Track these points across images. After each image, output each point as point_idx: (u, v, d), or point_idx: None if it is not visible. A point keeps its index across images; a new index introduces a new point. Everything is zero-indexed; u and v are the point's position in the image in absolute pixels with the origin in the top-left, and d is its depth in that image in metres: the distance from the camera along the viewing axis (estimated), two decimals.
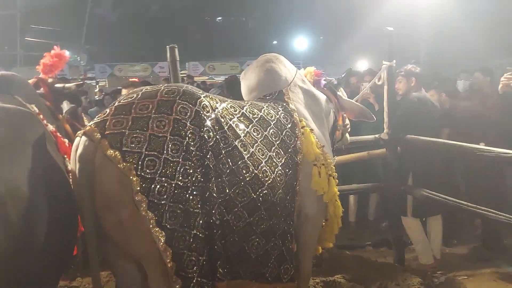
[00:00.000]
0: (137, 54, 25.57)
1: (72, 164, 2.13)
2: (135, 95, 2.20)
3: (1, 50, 19.31)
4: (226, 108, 2.38)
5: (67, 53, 3.28)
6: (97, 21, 26.57)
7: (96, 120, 2.12)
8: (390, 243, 4.76)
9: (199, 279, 2.10)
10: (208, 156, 2.17)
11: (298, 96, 2.89)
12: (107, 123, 2.07)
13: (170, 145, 2.08)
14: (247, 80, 2.91)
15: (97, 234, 2.07)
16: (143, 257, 2.12)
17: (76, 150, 2.10)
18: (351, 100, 3.46)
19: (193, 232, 2.09)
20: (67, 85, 3.17)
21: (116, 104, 2.17)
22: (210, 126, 2.22)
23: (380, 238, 4.84)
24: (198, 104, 2.22)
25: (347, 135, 3.53)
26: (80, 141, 2.08)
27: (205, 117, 2.22)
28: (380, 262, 3.90)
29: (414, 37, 11.75)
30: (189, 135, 2.13)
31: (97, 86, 17.73)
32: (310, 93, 2.98)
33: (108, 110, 2.14)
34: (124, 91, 4.57)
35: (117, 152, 2.00)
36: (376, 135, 3.88)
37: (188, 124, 2.15)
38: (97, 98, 10.62)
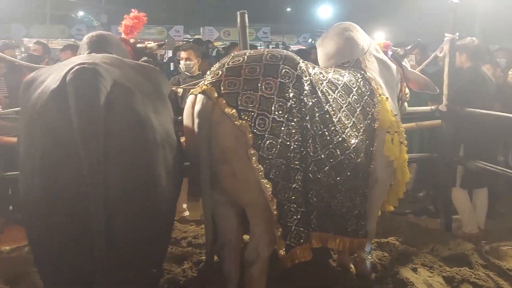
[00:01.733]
0: (153, 16, 25.22)
1: (187, 119, 2.34)
2: (241, 59, 2.39)
3: (29, 8, 19.40)
4: (317, 74, 2.57)
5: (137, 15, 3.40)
6: None
7: (210, 80, 2.32)
8: (430, 211, 5.00)
9: (297, 228, 2.35)
10: (306, 118, 2.38)
11: (373, 64, 3.03)
12: (222, 83, 2.28)
13: (276, 106, 2.28)
14: (325, 48, 3.05)
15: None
16: (251, 204, 2.36)
17: (192, 106, 2.31)
18: (414, 71, 3.60)
19: (292, 185, 2.32)
20: (149, 44, 3.37)
21: (226, 66, 2.36)
22: (308, 90, 2.41)
23: (420, 207, 5.05)
24: (298, 68, 2.41)
25: (405, 104, 3.69)
26: (197, 99, 2.29)
27: (303, 81, 2.41)
28: (430, 227, 4.11)
29: (469, 10, 11.54)
30: (292, 98, 2.33)
31: None
32: (384, 62, 3.13)
33: (219, 72, 2.34)
34: (182, 54, 4.74)
35: (234, 110, 2.22)
36: (433, 107, 4.03)
37: (290, 87, 2.34)
38: None
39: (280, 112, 2.28)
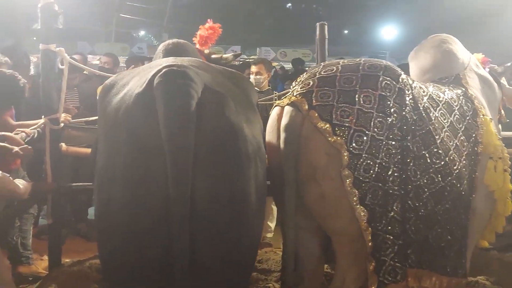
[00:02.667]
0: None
1: (272, 133, 2.12)
2: (335, 68, 2.15)
3: (95, 25, 20.27)
4: (417, 88, 2.28)
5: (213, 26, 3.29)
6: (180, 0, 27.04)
7: (300, 90, 2.09)
8: None
9: (392, 262, 2.04)
10: (408, 138, 2.09)
11: (475, 81, 2.71)
12: (314, 94, 2.04)
13: (375, 122, 2.02)
14: (420, 62, 2.76)
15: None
16: (339, 233, 2.09)
17: (278, 119, 2.09)
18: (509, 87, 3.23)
19: (390, 214, 2.03)
20: (224, 55, 3.22)
21: (318, 76, 2.13)
22: (410, 105, 2.13)
23: (506, 243, 4.54)
24: (400, 81, 2.14)
25: (499, 126, 3.32)
26: (285, 111, 2.07)
27: (405, 95, 2.13)
28: None
29: None
30: (393, 114, 2.06)
31: None
32: (486, 79, 2.80)
33: (311, 82, 2.11)
34: (253, 68, 4.59)
35: (327, 125, 1.97)
36: None
37: (391, 101, 2.07)
38: None
39: (380, 129, 2.01)
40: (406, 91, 2.14)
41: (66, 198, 3.76)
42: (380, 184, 2.00)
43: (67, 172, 3.56)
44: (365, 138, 1.98)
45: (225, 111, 1.59)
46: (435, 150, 2.17)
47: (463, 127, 2.40)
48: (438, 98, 2.37)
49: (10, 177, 2.41)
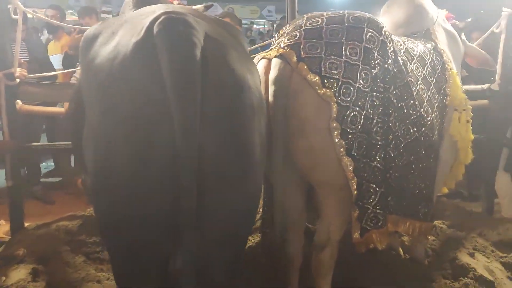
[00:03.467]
0: None
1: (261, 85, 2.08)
2: (320, 20, 2.12)
3: None
4: (396, 41, 2.32)
5: None
6: None
7: (287, 42, 2.06)
8: (462, 195, 4.84)
9: (374, 210, 2.13)
10: (390, 90, 2.14)
11: (442, 36, 2.80)
12: (301, 46, 2.02)
13: (362, 74, 2.04)
14: (393, 16, 2.79)
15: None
16: (326, 183, 2.13)
17: (265, 72, 2.05)
18: (474, 45, 3.37)
19: (373, 164, 2.10)
20: (194, 7, 3.09)
21: (304, 28, 2.10)
22: (391, 58, 2.17)
23: (454, 190, 4.88)
24: (383, 33, 2.16)
25: None
26: (273, 64, 2.03)
27: (387, 48, 2.16)
28: (474, 211, 3.95)
29: None
30: (377, 66, 2.09)
31: None
32: (452, 34, 2.90)
33: (297, 34, 2.07)
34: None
35: (317, 77, 1.96)
36: (483, 86, 3.81)
37: (375, 53, 2.10)
38: None
39: (365, 81, 2.04)
40: (388, 44, 2.16)
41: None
42: (365, 135, 2.04)
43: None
44: (352, 90, 2.00)
45: (228, 61, 1.51)
46: (412, 102, 2.24)
47: (434, 80, 2.49)
48: (412, 52, 2.43)
49: None
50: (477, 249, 3.15)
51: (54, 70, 4.41)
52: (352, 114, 2.00)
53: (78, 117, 2.00)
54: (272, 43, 2.28)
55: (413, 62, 2.38)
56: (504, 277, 2.83)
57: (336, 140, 1.99)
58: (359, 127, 2.02)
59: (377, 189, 2.12)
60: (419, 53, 2.47)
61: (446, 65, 2.60)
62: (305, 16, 2.22)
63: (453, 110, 2.63)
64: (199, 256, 1.45)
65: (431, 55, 2.55)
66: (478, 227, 3.54)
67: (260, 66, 2.09)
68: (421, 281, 2.73)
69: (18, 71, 2.97)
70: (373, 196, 2.12)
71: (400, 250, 3.09)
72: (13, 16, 2.94)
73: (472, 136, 2.78)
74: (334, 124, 1.97)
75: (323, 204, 2.19)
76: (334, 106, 1.96)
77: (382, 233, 2.16)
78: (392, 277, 2.74)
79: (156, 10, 1.56)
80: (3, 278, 2.41)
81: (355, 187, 2.05)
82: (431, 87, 2.45)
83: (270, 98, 2.01)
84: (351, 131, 2.00)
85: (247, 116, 1.55)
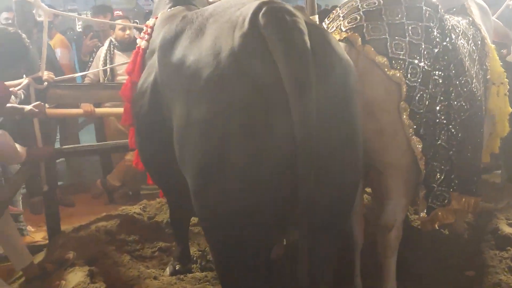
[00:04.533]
0: None
1: None
2: (376, 1, 2.10)
3: None
4: (447, 18, 2.32)
5: None
6: None
7: (349, 26, 2.04)
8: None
9: (440, 188, 2.15)
10: (450, 68, 2.15)
11: (476, 10, 2.81)
12: (364, 29, 2.00)
13: (424, 53, 2.04)
14: None
15: None
16: (394, 164, 2.13)
17: None
18: (496, 20, 3.40)
19: (437, 142, 2.11)
20: None
21: (362, 10, 2.07)
22: (448, 36, 2.17)
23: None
24: (439, 11, 2.16)
25: None
26: None
27: (445, 25, 2.16)
28: (496, 182, 4.03)
29: None
30: (438, 44, 2.09)
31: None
32: (484, 9, 2.91)
33: (357, 16, 2.05)
34: None
35: (385, 59, 1.96)
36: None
37: (435, 32, 2.10)
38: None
39: (428, 60, 2.04)
40: (445, 21, 2.17)
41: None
42: (430, 115, 2.06)
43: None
44: (418, 70, 2.00)
45: (333, 46, 1.50)
46: (465, 79, 2.25)
47: (477, 55, 2.51)
48: (457, 28, 2.44)
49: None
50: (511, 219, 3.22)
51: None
52: (419, 94, 2.01)
53: (151, 119, 1.97)
54: (324, 27, 2.25)
55: (459, 38, 2.39)
56: None
57: (406, 120, 1.99)
58: (426, 106, 2.03)
59: (443, 167, 2.14)
60: (462, 29, 2.48)
61: (486, 40, 2.62)
62: None
63: (492, 84, 2.66)
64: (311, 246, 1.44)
65: (471, 31, 2.56)
66: (505, 197, 3.63)
67: None
68: (470, 254, 2.78)
69: (45, 74, 2.87)
70: (438, 175, 2.14)
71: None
72: (38, 19, 2.84)
73: (510, 109, 2.81)
74: (404, 105, 1.98)
75: (390, 186, 2.19)
76: (404, 86, 1.96)
77: (448, 211, 2.19)
78: (440, 253, 2.79)
79: (245, 1, 1.53)
80: (63, 282, 2.36)
81: (424, 166, 2.07)
82: (476, 63, 2.47)
83: None
84: (418, 111, 2.01)
85: (354, 99, 1.55)
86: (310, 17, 2.87)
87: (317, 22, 2.84)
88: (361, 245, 2.38)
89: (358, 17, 2.05)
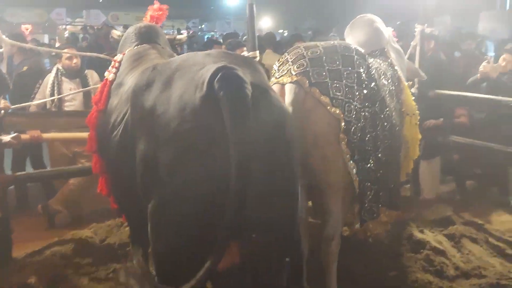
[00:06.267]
0: None
1: None
2: (318, 50, 2.53)
3: None
4: (372, 61, 2.81)
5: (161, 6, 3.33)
6: None
7: (298, 70, 2.43)
8: None
9: (370, 204, 2.61)
10: (376, 105, 2.63)
11: (393, 53, 3.37)
12: (310, 74, 2.42)
13: (357, 94, 2.50)
14: (355, 37, 3.22)
15: None
16: (333, 185, 2.55)
17: (280, 94, 2.41)
18: (408, 60, 4.03)
19: (367, 166, 2.57)
20: (178, 36, 3.35)
21: (307, 57, 2.48)
22: (373, 78, 2.66)
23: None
24: (366, 59, 2.64)
25: None
26: (288, 88, 2.40)
27: (370, 70, 2.65)
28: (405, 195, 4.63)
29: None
30: (366, 86, 2.56)
31: None
32: (398, 51, 3.49)
33: (304, 63, 2.46)
34: None
35: (327, 99, 2.38)
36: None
37: (363, 76, 2.57)
38: None
39: (360, 99, 2.50)
40: (370, 67, 2.65)
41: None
42: (362, 144, 2.51)
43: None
44: (352, 107, 2.45)
45: (271, 99, 1.88)
46: (388, 113, 2.76)
47: (394, 92, 3.04)
48: (379, 70, 2.95)
49: None
50: (422, 226, 3.82)
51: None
52: (353, 127, 2.45)
53: (119, 150, 2.21)
54: (275, 69, 2.63)
55: (381, 78, 2.90)
56: (449, 246, 3.51)
57: (344, 148, 2.42)
58: (358, 137, 2.48)
59: (372, 186, 2.60)
60: (383, 70, 3.00)
61: (401, 79, 3.17)
62: (301, 46, 2.62)
63: (406, 115, 3.21)
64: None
65: (390, 71, 3.09)
66: (414, 208, 4.27)
67: (275, 90, 2.44)
68: (391, 258, 3.29)
69: (2, 102, 2.94)
70: (368, 192, 2.59)
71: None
72: None
73: (420, 136, 3.40)
74: (342, 136, 2.41)
75: (331, 203, 2.60)
76: (342, 121, 2.39)
77: (377, 223, 2.66)
78: (368, 258, 3.25)
79: (205, 61, 1.91)
80: None
81: (357, 186, 2.51)
82: (394, 98, 3.00)
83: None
84: (353, 140, 2.46)
85: (291, 147, 1.92)
86: (251, 52, 3.29)
87: (258, 57, 3.26)
88: (306, 255, 2.75)
89: (305, 63, 2.46)
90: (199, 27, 25.69)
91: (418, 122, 3.39)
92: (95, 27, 14.51)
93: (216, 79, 1.76)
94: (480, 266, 3.19)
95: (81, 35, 13.38)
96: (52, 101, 3.89)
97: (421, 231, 3.68)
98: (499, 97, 4.02)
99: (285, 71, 2.50)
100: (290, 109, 2.36)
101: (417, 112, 3.34)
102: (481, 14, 15.13)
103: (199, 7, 24.56)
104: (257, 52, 3.36)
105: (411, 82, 4.45)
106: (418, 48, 4.52)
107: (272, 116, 1.87)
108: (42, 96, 4.03)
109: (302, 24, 19.86)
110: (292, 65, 2.49)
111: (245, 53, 3.69)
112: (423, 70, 4.40)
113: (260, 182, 1.78)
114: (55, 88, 3.96)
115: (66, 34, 12.96)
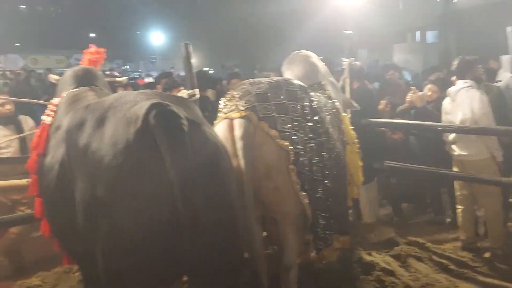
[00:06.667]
0: None
1: (226, 141, 2.44)
2: (262, 86, 2.63)
3: None
4: (313, 95, 2.95)
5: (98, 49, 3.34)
6: None
7: (246, 106, 2.50)
8: None
9: (323, 232, 2.69)
10: (321, 136, 2.74)
11: (329, 86, 3.56)
12: (258, 109, 2.49)
13: (303, 126, 2.61)
14: (294, 72, 3.36)
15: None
16: (287, 215, 2.61)
17: (229, 130, 2.46)
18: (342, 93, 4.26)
19: (317, 195, 2.66)
20: (118, 79, 3.35)
21: (253, 93, 2.57)
22: (317, 111, 2.79)
23: None
24: (308, 93, 2.78)
25: None
26: (237, 123, 2.45)
27: (313, 103, 2.78)
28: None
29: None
30: (311, 119, 2.68)
31: None
32: (335, 84, 3.70)
33: (251, 99, 2.54)
34: None
35: (276, 132, 2.46)
36: None
37: (308, 109, 2.69)
38: None
39: (306, 131, 2.61)
40: (314, 100, 2.79)
41: None
42: (310, 173, 2.60)
43: None
44: (299, 139, 2.55)
45: (205, 133, 1.98)
46: (332, 143, 2.87)
47: (335, 123, 3.20)
48: (320, 103, 3.10)
49: None
50: (369, 249, 3.97)
51: None
52: (301, 158, 2.55)
53: (59, 191, 2.17)
54: (222, 105, 2.68)
55: (323, 109, 3.05)
56: (397, 266, 3.67)
57: (294, 179, 2.50)
58: (307, 167, 2.57)
59: (323, 214, 2.68)
60: (323, 102, 3.16)
61: (339, 110, 3.34)
62: (247, 82, 2.70)
63: (346, 144, 3.38)
64: None
65: (329, 104, 3.25)
66: (359, 232, 4.42)
67: (224, 125, 2.50)
68: (344, 280, 3.37)
69: None
70: (320, 220, 2.67)
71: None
72: None
73: (361, 163, 3.57)
74: (292, 167, 2.49)
75: (285, 232, 2.65)
76: (292, 153, 2.48)
77: (331, 250, 2.72)
78: (324, 282, 3.30)
79: (138, 99, 1.97)
80: None
81: (310, 215, 2.58)
82: (336, 129, 3.15)
83: (239, 151, 2.41)
84: (302, 171, 2.54)
85: (228, 175, 2.03)
86: (190, 91, 3.34)
87: (197, 95, 3.32)
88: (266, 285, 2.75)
89: (252, 99, 2.54)
90: (122, 67, 25.63)
91: (358, 150, 3.57)
92: (16, 72, 14.02)
93: (152, 115, 1.82)
94: (428, 283, 3.35)
95: (1, 81, 12.88)
96: None
97: (369, 254, 3.82)
98: (426, 122, 4.35)
99: (233, 107, 2.57)
100: (240, 143, 2.43)
101: (356, 140, 3.53)
102: (395, 46, 16.46)
103: (121, 48, 24.48)
104: (197, 90, 3.42)
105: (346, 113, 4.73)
106: (348, 80, 4.80)
107: (207, 149, 1.98)
108: None
109: (226, 62, 20.44)
110: (240, 101, 2.56)
111: (183, 92, 3.74)
112: (354, 101, 4.72)
113: (200, 211, 1.83)
114: None
115: None
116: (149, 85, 6.29)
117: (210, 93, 5.04)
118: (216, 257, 1.94)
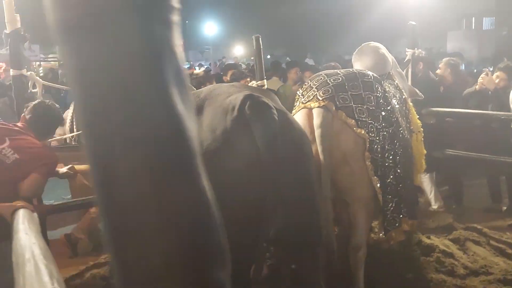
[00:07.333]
0: None
1: (304, 129, 2.68)
2: (339, 78, 2.85)
3: None
4: (385, 86, 3.14)
5: None
6: None
7: (324, 96, 2.74)
8: None
9: (392, 214, 2.90)
10: (393, 125, 2.94)
11: (398, 76, 3.72)
12: (336, 99, 2.72)
13: (377, 116, 2.82)
14: (364, 63, 3.51)
15: None
16: (361, 197, 2.84)
17: (308, 118, 2.71)
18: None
19: (388, 180, 2.87)
20: (195, 71, 3.65)
21: (331, 84, 2.80)
22: (389, 101, 2.98)
23: None
24: (382, 84, 2.98)
25: None
26: (317, 112, 2.70)
27: (387, 94, 2.98)
28: None
29: None
30: (384, 109, 2.89)
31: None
32: (402, 74, 3.86)
33: (329, 89, 2.77)
34: None
35: (353, 121, 2.68)
36: None
37: (382, 100, 2.89)
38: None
39: (380, 120, 2.82)
40: (387, 91, 2.99)
41: None
42: (382, 160, 2.82)
43: None
44: (374, 128, 2.76)
45: (292, 122, 2.24)
46: (402, 132, 3.07)
47: (404, 112, 3.38)
48: (390, 92, 3.28)
49: None
50: (428, 233, 4.13)
51: None
52: (376, 146, 2.76)
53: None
54: (299, 95, 2.93)
55: (393, 100, 3.23)
56: (455, 249, 3.83)
57: (369, 165, 2.72)
58: (379, 154, 2.79)
59: (393, 199, 2.89)
60: (393, 93, 3.33)
61: (407, 100, 3.51)
62: (323, 73, 2.93)
63: (412, 133, 3.55)
64: None
65: (398, 94, 3.43)
66: (417, 217, 4.57)
67: (303, 113, 2.75)
68: (406, 262, 3.57)
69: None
70: (390, 204, 2.88)
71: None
72: (32, 90, 3.16)
73: (425, 151, 3.72)
74: (367, 154, 2.71)
75: (357, 215, 2.88)
76: (367, 141, 2.70)
77: (399, 232, 2.94)
78: (385, 263, 3.51)
79: (230, 91, 2.24)
80: None
81: (381, 199, 2.80)
82: (404, 117, 3.33)
83: (318, 138, 2.66)
84: (376, 158, 2.76)
85: (310, 159, 2.29)
86: (259, 81, 3.61)
87: (266, 85, 3.59)
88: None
89: (330, 90, 2.77)
90: None
91: (423, 139, 3.73)
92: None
93: (247, 106, 2.08)
94: (486, 265, 3.50)
95: (60, 71, 13.52)
96: (72, 135, 4.13)
97: (428, 237, 3.98)
98: (489, 112, 4.42)
99: (311, 97, 2.80)
100: (319, 130, 2.67)
101: (422, 129, 3.68)
102: (449, 34, 16.03)
103: None
104: (265, 81, 3.69)
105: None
106: (410, 70, 4.91)
107: (293, 135, 2.23)
108: (62, 131, 4.24)
109: (275, 51, 20.51)
110: (317, 91, 2.80)
111: (253, 83, 4.02)
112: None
113: (286, 190, 2.10)
114: (74, 123, 4.18)
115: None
116: (217, 76, 6.59)
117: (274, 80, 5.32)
118: (297, 230, 2.19)
